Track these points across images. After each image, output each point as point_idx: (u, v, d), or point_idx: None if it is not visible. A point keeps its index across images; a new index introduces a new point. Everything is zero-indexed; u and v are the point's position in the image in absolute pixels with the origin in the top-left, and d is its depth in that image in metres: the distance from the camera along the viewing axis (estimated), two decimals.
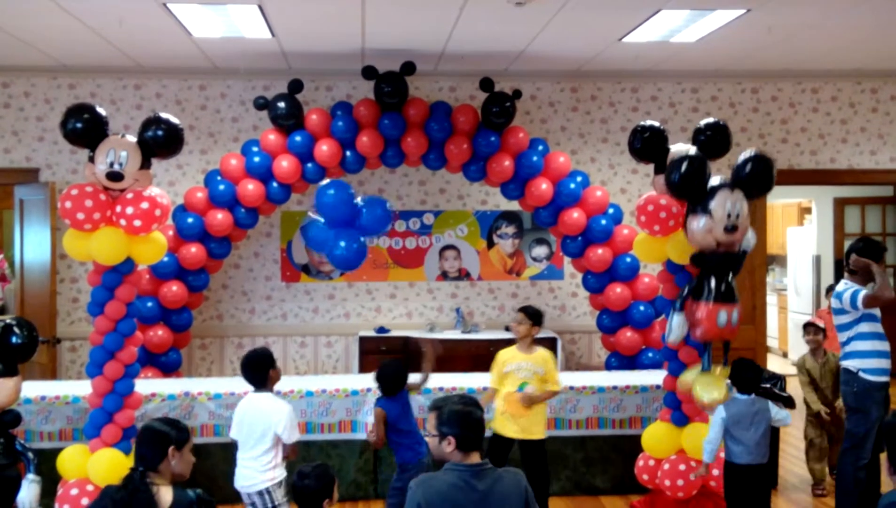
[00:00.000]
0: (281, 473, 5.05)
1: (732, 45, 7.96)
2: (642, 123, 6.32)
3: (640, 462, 6.37)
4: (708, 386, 5.78)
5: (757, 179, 5.63)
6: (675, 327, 5.85)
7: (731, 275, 5.73)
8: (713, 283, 5.68)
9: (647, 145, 6.21)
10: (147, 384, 6.68)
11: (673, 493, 6.02)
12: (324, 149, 7.87)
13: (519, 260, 9.35)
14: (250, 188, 7.90)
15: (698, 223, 5.62)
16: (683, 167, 5.58)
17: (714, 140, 6.20)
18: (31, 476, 5.32)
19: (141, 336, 6.11)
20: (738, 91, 9.35)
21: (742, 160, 5.67)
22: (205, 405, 6.58)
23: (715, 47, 8.00)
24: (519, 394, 5.86)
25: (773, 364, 10.85)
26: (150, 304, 7.70)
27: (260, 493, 4.96)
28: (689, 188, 5.64)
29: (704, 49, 8.05)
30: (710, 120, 6.32)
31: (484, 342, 8.48)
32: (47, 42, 7.68)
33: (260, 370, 5.22)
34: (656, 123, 6.28)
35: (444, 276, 9.32)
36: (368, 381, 6.92)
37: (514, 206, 9.03)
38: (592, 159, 9.26)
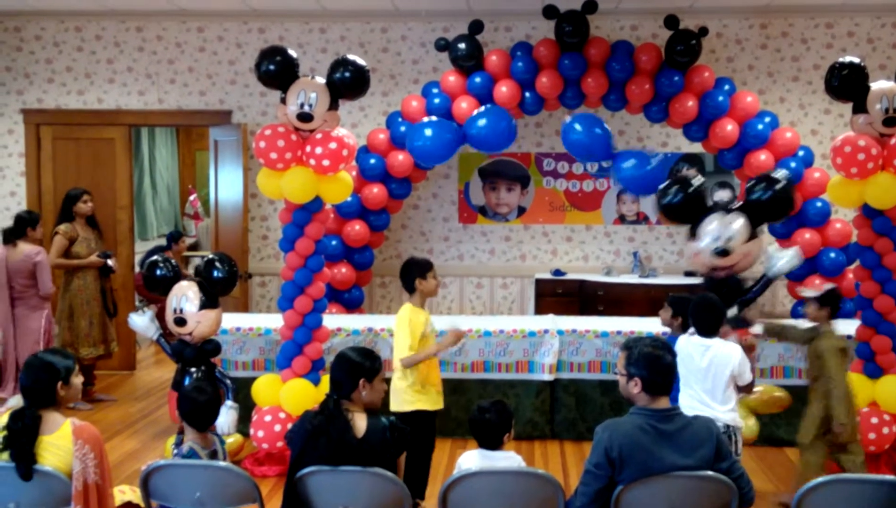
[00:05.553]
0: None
1: None
2: (841, 59, 5.99)
3: None
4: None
5: (766, 205, 5.54)
6: None
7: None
8: None
9: (846, 83, 5.87)
10: (333, 320, 6.93)
11: (864, 447, 5.76)
12: (503, 90, 7.85)
13: None
14: None
15: (690, 247, 5.66)
16: (677, 191, 5.63)
17: None
18: (229, 402, 5.63)
19: (328, 273, 6.35)
20: None
21: (752, 182, 5.61)
22: (387, 341, 6.76)
23: None
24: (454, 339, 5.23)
25: None
26: (334, 242, 7.96)
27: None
28: (683, 212, 5.67)
29: None
30: None
31: (662, 288, 8.33)
32: None
33: (715, 316, 4.72)
34: (856, 60, 5.94)
35: (622, 219, 9.18)
36: (545, 322, 6.97)
37: (696, 148, 8.76)
38: (782, 99, 8.85)
